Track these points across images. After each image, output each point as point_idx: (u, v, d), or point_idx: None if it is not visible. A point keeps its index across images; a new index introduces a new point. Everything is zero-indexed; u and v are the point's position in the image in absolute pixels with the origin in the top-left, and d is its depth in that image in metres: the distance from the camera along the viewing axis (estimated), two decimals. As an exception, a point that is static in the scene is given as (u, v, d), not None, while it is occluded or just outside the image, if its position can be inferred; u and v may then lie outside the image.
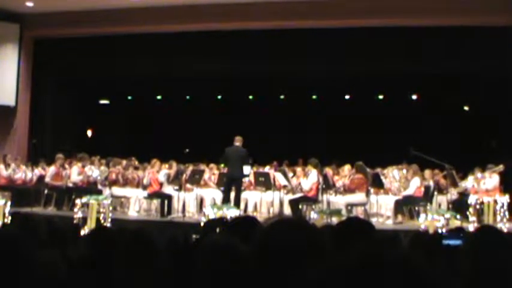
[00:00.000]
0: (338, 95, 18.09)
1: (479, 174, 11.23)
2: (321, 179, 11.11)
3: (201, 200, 12.39)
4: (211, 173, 13.03)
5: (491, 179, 11.01)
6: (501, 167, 11.11)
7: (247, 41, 14.27)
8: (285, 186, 11.94)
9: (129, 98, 20.04)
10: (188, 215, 11.79)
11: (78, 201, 10.75)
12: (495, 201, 10.54)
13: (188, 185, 12.22)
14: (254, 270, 1.59)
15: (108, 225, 10.38)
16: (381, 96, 18.07)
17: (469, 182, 11.39)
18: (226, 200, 11.31)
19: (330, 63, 14.57)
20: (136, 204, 12.24)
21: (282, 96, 18.94)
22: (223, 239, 2.29)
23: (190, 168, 12.64)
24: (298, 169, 12.56)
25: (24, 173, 13.18)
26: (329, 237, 1.68)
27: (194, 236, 4.87)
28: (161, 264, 2.54)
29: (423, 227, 9.31)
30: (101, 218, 10.46)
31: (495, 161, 11.43)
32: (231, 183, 11.53)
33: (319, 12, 13.12)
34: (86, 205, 10.65)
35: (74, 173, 12.29)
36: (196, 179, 12.06)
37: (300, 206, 11.28)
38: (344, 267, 0.86)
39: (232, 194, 11.47)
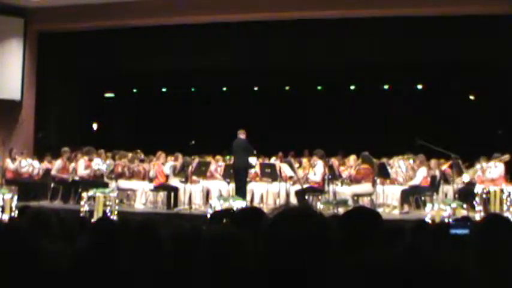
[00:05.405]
0: (343, 85, 18.04)
1: (484, 164, 11.18)
2: (326, 170, 11.11)
3: (207, 192, 12.41)
4: (217, 164, 13.04)
5: (496, 168, 10.97)
6: (507, 157, 11.04)
7: (250, 33, 14.26)
8: (291, 177, 11.94)
9: (134, 90, 20.06)
10: (194, 207, 11.81)
11: (84, 195, 10.77)
12: (501, 191, 10.47)
13: (194, 177, 12.22)
14: (258, 259, 1.59)
15: (115, 218, 10.40)
16: (386, 86, 18.02)
17: (472, 172, 11.35)
18: (238, 191, 11.33)
19: (332, 53, 14.52)
20: (143, 197, 12.26)
21: (286, 88, 18.92)
22: (224, 229, 2.30)
23: (196, 160, 12.64)
24: (304, 160, 12.54)
25: (31, 167, 13.22)
26: (336, 227, 1.68)
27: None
28: (166, 255, 2.54)
29: (429, 216, 9.32)
30: (107, 211, 10.49)
31: (502, 150, 11.38)
32: (236, 175, 11.56)
33: (319, 2, 13.09)
34: (92, 198, 10.67)
35: (81, 167, 12.31)
36: (202, 170, 12.07)
37: (306, 197, 11.28)
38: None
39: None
